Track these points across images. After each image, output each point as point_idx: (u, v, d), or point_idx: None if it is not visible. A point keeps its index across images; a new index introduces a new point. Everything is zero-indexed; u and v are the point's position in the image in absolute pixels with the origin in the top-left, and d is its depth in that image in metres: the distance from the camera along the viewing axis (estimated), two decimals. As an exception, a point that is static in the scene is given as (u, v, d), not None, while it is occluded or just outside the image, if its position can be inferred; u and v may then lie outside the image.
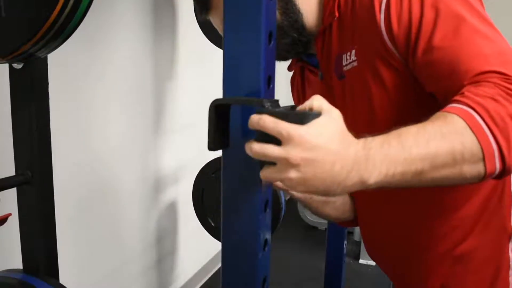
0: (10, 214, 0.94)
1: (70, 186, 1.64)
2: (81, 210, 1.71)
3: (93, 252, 1.81)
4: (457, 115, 0.67)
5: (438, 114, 0.70)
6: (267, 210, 0.83)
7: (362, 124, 0.90)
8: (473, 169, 0.66)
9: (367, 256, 3.00)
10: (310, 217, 3.53)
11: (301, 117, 0.63)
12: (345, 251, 2.14)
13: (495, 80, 0.71)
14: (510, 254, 0.97)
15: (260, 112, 0.67)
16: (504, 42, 0.78)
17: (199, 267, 2.68)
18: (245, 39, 0.78)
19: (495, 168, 0.67)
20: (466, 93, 0.70)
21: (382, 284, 1.28)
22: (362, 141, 0.65)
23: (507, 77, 0.71)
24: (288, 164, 0.61)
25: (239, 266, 0.85)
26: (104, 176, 1.85)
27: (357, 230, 3.24)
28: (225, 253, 0.85)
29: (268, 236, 0.85)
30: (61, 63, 1.52)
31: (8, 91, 0.98)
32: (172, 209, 2.39)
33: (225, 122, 0.77)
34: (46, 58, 0.97)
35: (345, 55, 0.93)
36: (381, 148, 0.64)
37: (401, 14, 0.82)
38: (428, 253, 0.99)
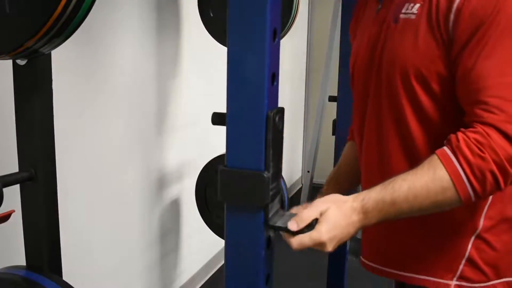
0: (13, 211, 0.94)
1: (75, 184, 1.64)
2: (84, 208, 1.72)
3: (97, 249, 1.81)
4: (446, 170, 0.85)
5: (431, 163, 0.87)
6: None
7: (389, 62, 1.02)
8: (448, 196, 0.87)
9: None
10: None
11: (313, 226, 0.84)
12: (347, 248, 2.14)
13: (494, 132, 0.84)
14: (481, 221, 1.01)
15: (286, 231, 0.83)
16: None
17: (202, 264, 2.69)
18: (250, 36, 0.77)
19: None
20: (461, 140, 0.85)
21: (382, 281, 1.29)
22: (359, 206, 0.86)
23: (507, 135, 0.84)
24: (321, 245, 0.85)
25: (242, 264, 0.85)
26: (108, 173, 1.85)
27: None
28: (229, 250, 0.85)
29: (271, 234, 0.85)
30: (66, 64, 1.52)
31: (12, 88, 0.98)
32: (175, 207, 2.39)
33: None
34: (50, 54, 0.97)
35: (408, 4, 0.98)
36: (376, 208, 0.86)
37: (476, 11, 0.88)
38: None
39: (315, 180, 3.53)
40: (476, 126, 0.85)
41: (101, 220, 1.83)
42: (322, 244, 0.84)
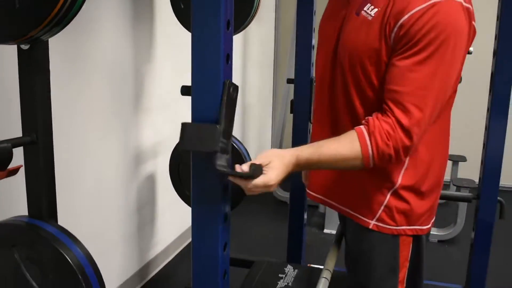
0: (21, 166, 1.15)
1: (61, 157, 1.85)
2: (69, 179, 1.93)
3: (79, 214, 2.01)
4: (361, 147, 1.15)
5: (352, 138, 1.16)
6: (228, 190, 1.11)
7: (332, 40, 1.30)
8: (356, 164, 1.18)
9: (331, 226, 3.28)
10: (280, 193, 3.79)
11: (259, 171, 1.06)
12: (305, 221, 2.41)
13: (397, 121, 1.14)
14: (399, 178, 1.27)
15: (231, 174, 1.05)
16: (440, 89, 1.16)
17: (177, 235, 2.92)
18: (208, 26, 1.01)
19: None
20: (376, 127, 1.15)
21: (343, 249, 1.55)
22: (294, 160, 1.13)
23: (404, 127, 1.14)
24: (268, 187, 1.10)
25: (205, 236, 1.12)
26: (89, 149, 2.06)
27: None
28: (194, 187, 1.11)
29: (228, 210, 1.13)
30: (55, 51, 1.73)
31: (16, 68, 1.19)
32: (151, 181, 2.61)
33: None
34: (47, 41, 1.18)
35: (370, 5, 1.20)
36: (306, 163, 1.16)
37: (414, 30, 1.11)
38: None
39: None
40: (389, 118, 1.15)
41: (82, 190, 2.04)
42: (270, 187, 1.09)
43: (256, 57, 4.06)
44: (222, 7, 1.00)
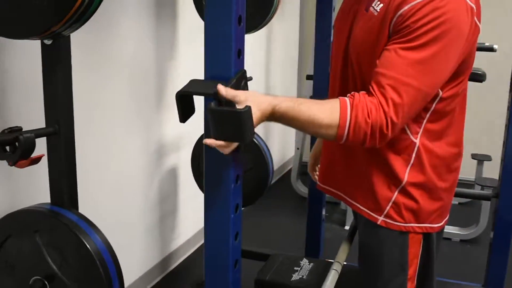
0: (43, 155, 1.21)
1: (87, 151, 1.92)
2: (94, 172, 2.00)
3: (102, 206, 2.09)
4: (339, 116, 1.13)
5: (334, 106, 1.15)
6: (238, 182, 1.14)
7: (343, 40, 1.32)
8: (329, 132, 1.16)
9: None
10: (302, 189, 3.81)
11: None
12: (323, 216, 2.43)
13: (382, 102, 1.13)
14: (406, 175, 1.27)
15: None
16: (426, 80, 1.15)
17: (198, 229, 2.97)
18: (221, 21, 1.05)
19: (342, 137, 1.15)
20: (361, 102, 1.14)
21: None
22: (271, 109, 1.11)
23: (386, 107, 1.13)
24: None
25: (217, 225, 1.16)
26: (113, 143, 2.13)
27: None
28: (207, 213, 1.17)
29: (239, 201, 1.16)
30: (78, 47, 1.80)
31: (40, 62, 1.25)
32: (172, 175, 2.67)
33: (189, 103, 1.15)
34: (69, 36, 1.24)
35: (377, 0, 1.21)
36: (281, 116, 1.14)
37: (412, 17, 1.12)
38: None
39: (304, 159, 3.80)
40: (374, 99, 1.13)
41: (108, 180, 2.11)
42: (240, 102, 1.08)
43: (280, 54, 4.08)
44: (233, 3, 1.03)
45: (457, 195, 3.41)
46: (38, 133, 1.21)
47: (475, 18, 1.17)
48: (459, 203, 3.71)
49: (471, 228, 3.20)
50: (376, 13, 1.20)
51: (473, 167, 3.31)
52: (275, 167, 4.19)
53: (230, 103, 1.06)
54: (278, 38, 3.96)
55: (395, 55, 1.14)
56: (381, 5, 1.20)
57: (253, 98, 1.09)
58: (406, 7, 1.13)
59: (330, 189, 1.45)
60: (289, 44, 4.29)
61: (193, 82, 1.14)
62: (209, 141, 1.07)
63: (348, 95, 1.17)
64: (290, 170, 4.20)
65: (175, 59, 2.54)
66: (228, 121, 1.03)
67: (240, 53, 1.09)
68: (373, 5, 1.22)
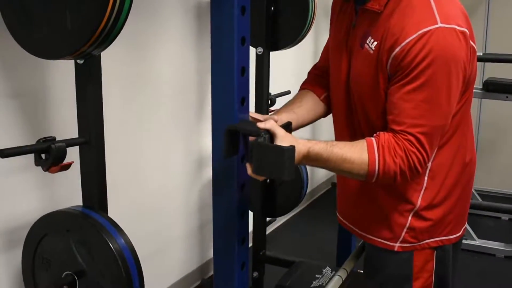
0: (72, 162, 1.35)
1: (130, 159, 2.08)
2: (133, 180, 2.14)
3: (143, 214, 2.23)
4: (368, 158, 1.17)
5: (363, 147, 1.19)
6: (245, 188, 1.23)
7: (343, 76, 1.34)
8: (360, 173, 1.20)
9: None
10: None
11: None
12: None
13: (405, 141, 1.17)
14: (418, 202, 1.30)
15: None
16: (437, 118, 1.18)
17: (237, 237, 3.05)
18: (225, 41, 1.14)
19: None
20: (386, 142, 1.18)
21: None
22: (306, 151, 1.16)
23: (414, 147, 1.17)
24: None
25: (224, 230, 1.26)
26: (154, 154, 2.27)
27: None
28: (215, 217, 1.28)
29: (246, 208, 1.26)
30: (119, 64, 1.96)
31: (74, 79, 1.40)
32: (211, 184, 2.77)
33: (235, 141, 1.17)
34: (100, 55, 1.38)
35: (370, 37, 1.23)
36: (315, 158, 1.18)
37: (405, 58, 1.15)
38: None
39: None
40: (400, 140, 1.17)
41: (149, 188, 2.25)
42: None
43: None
44: (235, 26, 1.13)
45: (505, 211, 3.35)
46: (69, 142, 1.35)
47: (470, 41, 1.18)
48: (510, 219, 3.61)
49: (517, 244, 3.10)
50: (371, 51, 1.22)
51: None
52: (323, 179, 4.22)
53: (272, 139, 1.12)
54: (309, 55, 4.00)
55: (401, 100, 1.16)
56: (375, 42, 1.21)
57: (290, 138, 1.14)
58: (397, 49, 1.15)
59: (344, 221, 1.50)
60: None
61: (242, 121, 1.20)
62: (250, 173, 1.13)
63: (374, 134, 1.22)
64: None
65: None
66: (271, 156, 1.08)
67: (244, 70, 1.17)
68: (367, 42, 1.23)
